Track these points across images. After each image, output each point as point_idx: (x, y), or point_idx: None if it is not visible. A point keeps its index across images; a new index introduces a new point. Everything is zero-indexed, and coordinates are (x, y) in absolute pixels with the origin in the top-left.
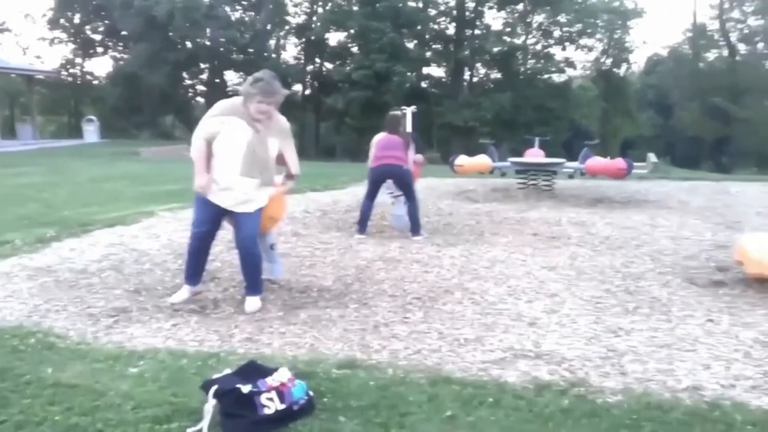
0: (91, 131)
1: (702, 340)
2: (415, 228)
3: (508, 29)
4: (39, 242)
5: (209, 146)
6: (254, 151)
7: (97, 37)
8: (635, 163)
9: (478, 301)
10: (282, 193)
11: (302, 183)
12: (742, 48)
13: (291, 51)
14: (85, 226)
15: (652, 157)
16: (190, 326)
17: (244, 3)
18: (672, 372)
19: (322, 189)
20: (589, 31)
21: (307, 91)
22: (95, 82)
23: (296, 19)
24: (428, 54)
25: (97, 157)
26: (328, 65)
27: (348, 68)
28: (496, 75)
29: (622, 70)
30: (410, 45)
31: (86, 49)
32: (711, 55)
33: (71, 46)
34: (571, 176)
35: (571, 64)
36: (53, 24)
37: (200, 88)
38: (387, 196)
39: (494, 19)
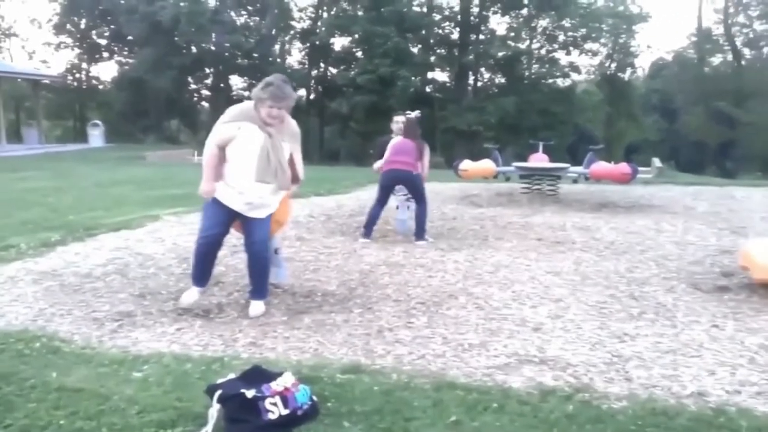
0: (96, 136)
1: (707, 346)
2: (419, 232)
3: (513, 34)
4: (44, 246)
5: (222, 152)
6: (268, 155)
7: (103, 42)
8: (640, 168)
9: (482, 306)
10: (287, 197)
11: (306, 187)
12: (747, 52)
13: (296, 56)
14: (90, 231)
15: (656, 161)
16: (195, 330)
17: (249, 8)
18: (677, 378)
19: (326, 193)
20: (593, 35)
21: (312, 96)
22: (101, 86)
23: (301, 24)
24: (432, 58)
25: (102, 162)
26: (333, 70)
27: (352, 73)
28: (500, 79)
29: (626, 75)
30: (414, 50)
31: (92, 53)
32: (716, 60)
33: (77, 50)
34: (575, 181)
35: (575, 68)
36: (59, 29)
37: (205, 92)
38: (398, 197)
39: (498, 23)
